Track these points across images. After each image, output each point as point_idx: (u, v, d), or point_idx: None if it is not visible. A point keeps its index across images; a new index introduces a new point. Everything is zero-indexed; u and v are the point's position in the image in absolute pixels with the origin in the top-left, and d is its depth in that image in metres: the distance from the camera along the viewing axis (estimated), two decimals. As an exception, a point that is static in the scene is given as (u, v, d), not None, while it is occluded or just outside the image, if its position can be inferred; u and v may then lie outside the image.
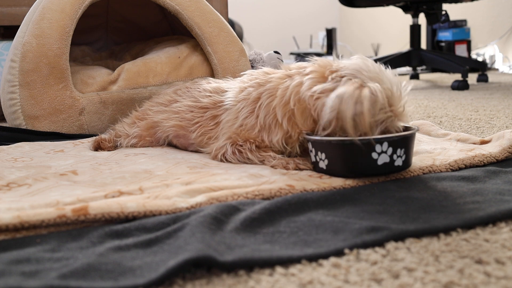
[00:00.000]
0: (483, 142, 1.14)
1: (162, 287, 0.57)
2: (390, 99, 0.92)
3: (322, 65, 0.99)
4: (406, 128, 0.99)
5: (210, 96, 1.17)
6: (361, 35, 5.46)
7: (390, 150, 0.89)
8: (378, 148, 0.88)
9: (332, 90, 0.93)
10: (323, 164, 0.93)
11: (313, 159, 0.96)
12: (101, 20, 2.14)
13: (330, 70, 0.96)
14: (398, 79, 0.96)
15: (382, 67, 0.96)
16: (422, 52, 3.08)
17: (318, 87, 0.95)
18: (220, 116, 1.13)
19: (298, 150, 1.04)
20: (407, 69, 4.04)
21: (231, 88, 1.16)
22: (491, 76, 3.30)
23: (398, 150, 0.89)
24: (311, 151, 0.96)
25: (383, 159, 0.89)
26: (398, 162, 0.90)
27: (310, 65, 1.01)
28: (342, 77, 0.94)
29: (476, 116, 1.69)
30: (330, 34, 4.75)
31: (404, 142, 0.90)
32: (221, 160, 1.08)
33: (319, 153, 0.94)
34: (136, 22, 2.14)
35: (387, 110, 0.91)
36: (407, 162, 0.92)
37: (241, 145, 1.05)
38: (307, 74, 0.99)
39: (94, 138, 1.34)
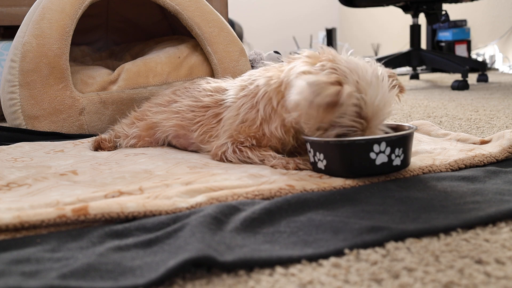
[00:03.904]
0: (483, 142, 1.14)
1: (162, 287, 0.57)
2: (365, 112, 0.90)
3: (322, 52, 0.97)
4: (399, 126, 0.99)
5: (211, 95, 1.17)
6: (361, 35, 5.46)
7: (388, 150, 0.89)
8: (376, 148, 0.88)
9: (310, 74, 0.90)
10: (321, 165, 0.93)
11: (312, 159, 0.96)
12: (101, 20, 2.14)
13: (321, 59, 0.94)
14: (391, 98, 0.93)
15: (385, 81, 0.93)
16: (422, 52, 3.08)
17: (301, 68, 0.93)
18: (222, 114, 1.13)
19: (293, 141, 1.04)
20: (407, 69, 4.04)
21: (232, 86, 1.16)
22: (491, 76, 3.30)
23: (396, 150, 0.90)
24: (310, 151, 0.96)
25: (381, 159, 0.89)
26: (397, 161, 0.90)
27: (309, 52, 0.99)
28: (328, 68, 0.91)
29: (476, 116, 1.69)
30: (330, 34, 4.75)
31: (402, 141, 0.90)
32: (221, 159, 1.08)
33: (317, 153, 0.94)
34: (136, 22, 2.14)
35: (355, 119, 0.90)
36: (405, 162, 0.92)
37: (241, 142, 1.06)
38: (302, 59, 0.98)
39: (94, 138, 1.34)
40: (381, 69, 0.95)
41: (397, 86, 0.98)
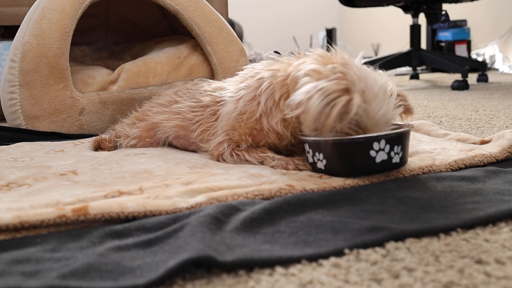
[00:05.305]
0: (483, 142, 1.14)
1: (162, 287, 0.58)
2: (364, 122, 0.89)
3: (334, 54, 0.95)
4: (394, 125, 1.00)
5: (211, 94, 1.17)
6: (361, 35, 5.46)
7: (387, 148, 0.89)
8: (376, 145, 0.88)
9: (320, 75, 0.89)
10: (321, 165, 0.93)
11: (311, 160, 0.96)
12: (101, 20, 2.14)
13: (333, 61, 0.92)
14: (393, 115, 0.92)
15: (392, 98, 0.92)
16: (422, 52, 3.08)
17: (312, 66, 0.91)
18: (220, 111, 1.12)
19: (291, 137, 1.01)
20: (407, 69, 4.04)
21: (232, 82, 1.15)
22: (491, 76, 3.30)
23: (395, 147, 0.90)
24: (308, 152, 0.96)
25: (381, 157, 0.89)
26: (396, 159, 0.90)
27: (321, 51, 0.97)
28: (339, 72, 0.88)
29: (476, 116, 1.69)
30: (330, 34, 4.75)
31: (401, 139, 0.91)
32: (219, 161, 1.08)
33: (316, 153, 0.94)
34: (136, 22, 2.14)
35: (353, 128, 0.89)
36: (403, 159, 0.93)
37: (237, 145, 1.05)
38: (313, 57, 0.95)
39: (94, 138, 1.34)
40: (392, 86, 0.94)
41: (402, 106, 0.97)
